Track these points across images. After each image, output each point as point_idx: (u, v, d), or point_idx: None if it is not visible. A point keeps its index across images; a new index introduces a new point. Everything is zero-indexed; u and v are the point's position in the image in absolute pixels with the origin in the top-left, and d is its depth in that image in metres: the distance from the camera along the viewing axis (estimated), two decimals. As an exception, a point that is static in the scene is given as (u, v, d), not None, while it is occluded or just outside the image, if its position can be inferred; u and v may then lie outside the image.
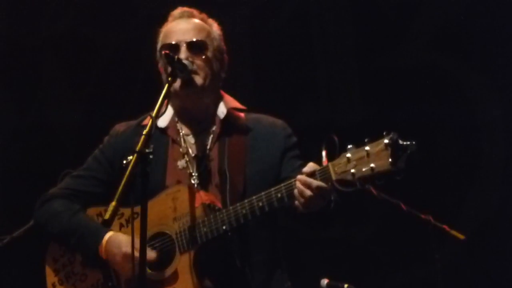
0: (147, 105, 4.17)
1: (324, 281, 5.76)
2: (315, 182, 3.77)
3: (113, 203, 3.59)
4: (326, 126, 6.90)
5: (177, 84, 4.11)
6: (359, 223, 6.96)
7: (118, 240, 4.12)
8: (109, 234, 4.16)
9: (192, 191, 4.08)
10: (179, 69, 4.06)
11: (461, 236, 5.64)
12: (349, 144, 3.74)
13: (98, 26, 7.23)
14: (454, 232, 5.64)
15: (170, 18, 4.37)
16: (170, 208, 4.08)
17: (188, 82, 4.15)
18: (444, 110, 6.90)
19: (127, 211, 4.08)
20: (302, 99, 7.17)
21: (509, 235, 6.76)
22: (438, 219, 5.65)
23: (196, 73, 4.17)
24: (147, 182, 3.65)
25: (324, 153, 3.78)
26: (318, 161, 3.83)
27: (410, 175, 3.73)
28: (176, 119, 4.32)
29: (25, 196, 4.47)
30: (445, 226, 5.64)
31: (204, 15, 4.38)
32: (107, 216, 3.58)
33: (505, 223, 6.76)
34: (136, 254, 3.77)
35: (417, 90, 6.91)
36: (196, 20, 4.33)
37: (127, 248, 4.04)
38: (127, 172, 3.62)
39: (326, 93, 7.20)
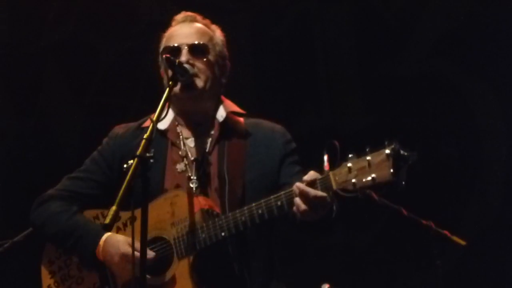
0: (148, 111, 4.18)
1: (325, 286, 5.76)
2: (314, 192, 3.75)
3: (114, 208, 3.56)
4: (328, 132, 6.90)
5: (178, 87, 4.10)
6: (360, 229, 6.95)
7: (115, 240, 4.09)
8: (106, 235, 4.12)
9: (190, 196, 4.05)
10: (179, 73, 4.06)
11: (463, 242, 5.62)
12: (351, 151, 3.71)
13: (100, 33, 7.25)
14: (455, 238, 5.62)
15: (173, 23, 4.39)
16: (168, 213, 4.05)
17: (188, 86, 4.14)
18: (445, 117, 6.91)
19: (124, 215, 4.04)
20: (304, 105, 7.17)
21: (510, 241, 6.75)
22: (439, 224, 5.63)
23: (197, 76, 4.17)
24: (148, 187, 3.64)
25: (325, 157, 3.76)
26: (320, 166, 3.81)
27: (412, 181, 3.72)
28: (176, 122, 4.30)
29: (26, 201, 4.45)
30: (446, 232, 5.62)
31: (207, 21, 4.39)
32: (107, 220, 3.55)
33: (506, 228, 6.76)
34: (135, 254, 3.77)
35: (419, 97, 6.92)
36: (199, 25, 4.35)
37: (125, 248, 4.02)
38: (128, 177, 3.60)
39: (327, 100, 7.21)
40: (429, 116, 6.92)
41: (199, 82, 4.18)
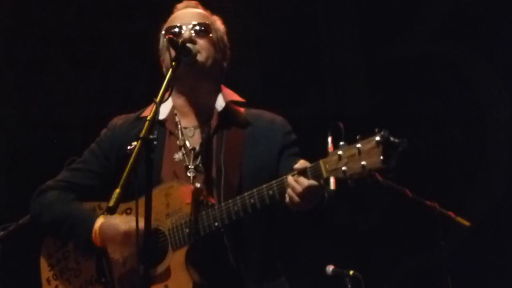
0: (152, 94, 4.17)
1: (330, 268, 5.79)
2: (306, 182, 3.75)
3: (118, 190, 3.54)
4: (332, 115, 6.89)
5: (180, 66, 4.09)
6: (364, 210, 6.97)
7: (113, 223, 4.09)
8: (101, 219, 4.14)
9: (185, 187, 4.06)
10: (183, 54, 4.04)
11: (467, 223, 5.64)
12: (355, 133, 3.71)
13: (104, 17, 7.24)
14: (459, 219, 5.64)
15: (174, 10, 4.39)
16: (163, 204, 4.04)
17: (191, 64, 4.13)
18: (450, 99, 6.91)
19: (120, 207, 3.92)
20: (308, 88, 7.17)
21: (514, 222, 6.77)
22: (444, 206, 5.65)
23: (199, 52, 4.16)
24: (152, 169, 3.64)
25: (329, 139, 3.76)
26: (324, 148, 3.80)
27: (416, 162, 3.72)
28: (175, 111, 4.30)
29: (31, 184, 4.46)
30: (450, 213, 5.64)
31: (208, 12, 4.40)
32: (111, 203, 3.53)
33: (510, 209, 6.76)
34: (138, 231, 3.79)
35: (424, 80, 6.91)
36: (200, 10, 4.36)
37: (124, 227, 4.03)
38: (131, 159, 3.59)
39: (332, 83, 7.21)
40: (434, 97, 6.92)
41: (201, 58, 4.16)
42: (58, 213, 4.23)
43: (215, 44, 4.25)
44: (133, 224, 3.90)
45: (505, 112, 6.88)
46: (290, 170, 3.97)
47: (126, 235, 4.04)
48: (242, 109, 4.31)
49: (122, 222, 4.07)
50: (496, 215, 6.76)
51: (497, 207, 6.80)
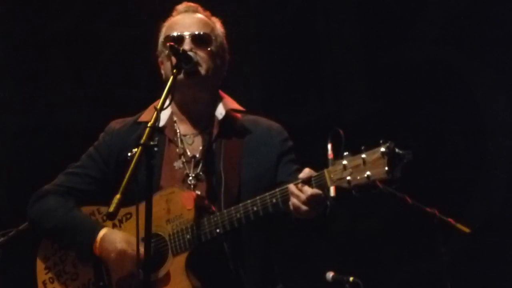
0: (152, 102, 4.17)
1: (330, 274, 5.78)
2: (310, 190, 3.77)
3: (118, 196, 3.54)
4: (332, 121, 6.89)
5: (181, 74, 4.09)
6: (364, 216, 6.96)
7: (113, 237, 4.11)
8: (103, 231, 4.14)
9: (186, 193, 4.07)
10: (184, 61, 4.05)
11: (467, 229, 5.64)
12: (355, 140, 3.72)
13: (103, 22, 7.24)
14: (459, 225, 5.64)
15: (174, 13, 4.38)
16: (163, 210, 4.06)
17: (192, 73, 4.14)
18: (450, 105, 6.90)
19: (120, 211, 3.91)
20: (308, 94, 7.17)
21: (514, 228, 6.77)
22: (444, 212, 5.65)
23: (199, 64, 4.17)
24: (152, 175, 3.64)
25: (329, 146, 3.77)
26: (324, 154, 3.81)
27: (416, 169, 3.72)
28: (174, 118, 4.30)
29: (31, 191, 4.45)
30: (450, 220, 5.64)
31: (208, 13, 4.39)
32: (111, 208, 3.54)
33: (510, 216, 6.76)
34: (135, 251, 3.81)
35: (424, 86, 6.91)
36: (200, 15, 4.34)
37: (122, 245, 4.05)
38: (132, 165, 3.59)
39: (332, 89, 7.20)
40: (435, 104, 6.92)
41: (201, 70, 4.17)
42: (59, 221, 4.22)
43: (215, 54, 4.25)
44: (132, 242, 3.96)
45: (506, 118, 6.88)
46: (288, 176, 4.01)
47: (120, 253, 4.06)
48: (239, 116, 4.32)
49: (120, 239, 4.09)
50: (496, 222, 6.75)
51: (497, 214, 6.80)
